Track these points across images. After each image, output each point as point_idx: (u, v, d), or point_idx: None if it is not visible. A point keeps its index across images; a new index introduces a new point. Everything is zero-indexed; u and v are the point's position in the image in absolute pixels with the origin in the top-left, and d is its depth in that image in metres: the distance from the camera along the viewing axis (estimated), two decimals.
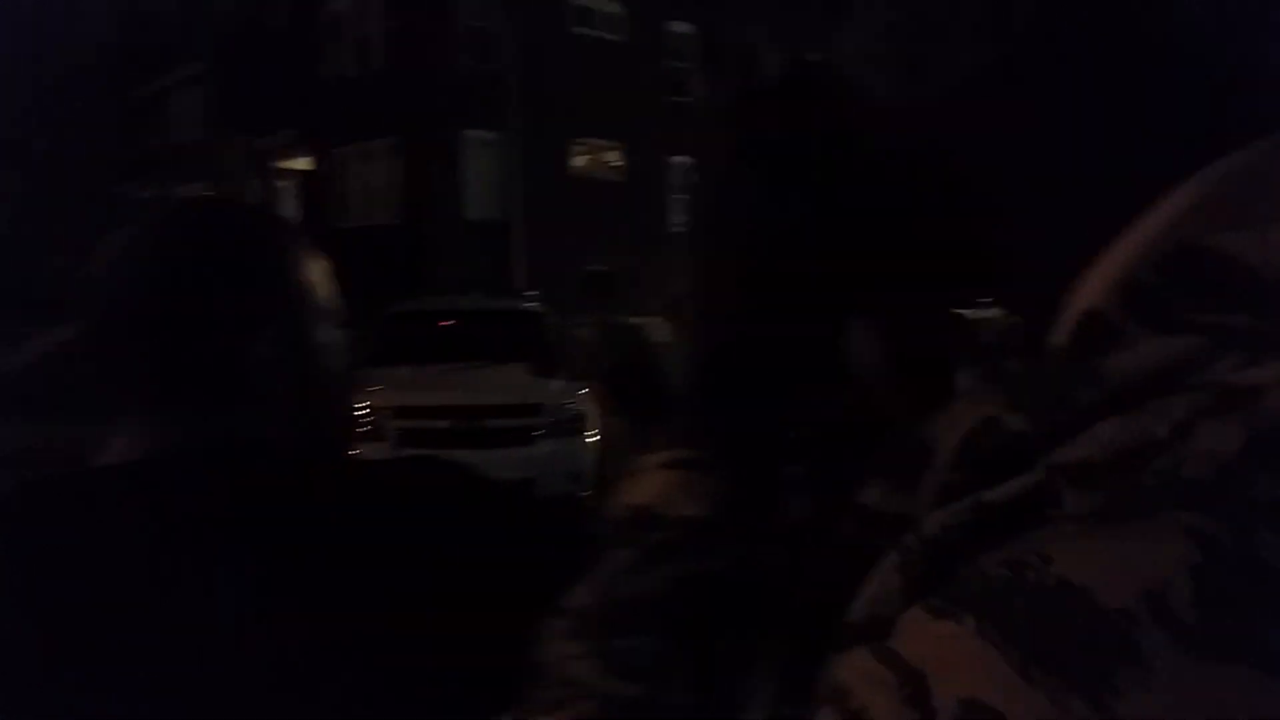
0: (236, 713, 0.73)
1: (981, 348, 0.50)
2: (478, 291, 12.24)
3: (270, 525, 0.77)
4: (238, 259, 0.84)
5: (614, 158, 21.64)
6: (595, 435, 7.38)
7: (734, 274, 0.51)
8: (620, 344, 1.66)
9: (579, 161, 21.03)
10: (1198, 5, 0.40)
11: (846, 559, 0.43)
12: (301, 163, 21.33)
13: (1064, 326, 0.40)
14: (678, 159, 22.52)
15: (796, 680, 0.41)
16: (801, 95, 0.49)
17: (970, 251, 0.46)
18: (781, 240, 0.49)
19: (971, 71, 0.44)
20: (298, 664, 0.74)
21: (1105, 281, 0.39)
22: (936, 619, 0.35)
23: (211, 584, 0.75)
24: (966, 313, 0.49)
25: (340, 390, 0.90)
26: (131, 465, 0.81)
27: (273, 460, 0.82)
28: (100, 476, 0.82)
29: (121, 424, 0.83)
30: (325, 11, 20.60)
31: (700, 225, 0.53)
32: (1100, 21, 0.41)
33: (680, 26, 22.22)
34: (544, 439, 7.14)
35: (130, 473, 0.81)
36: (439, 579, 0.77)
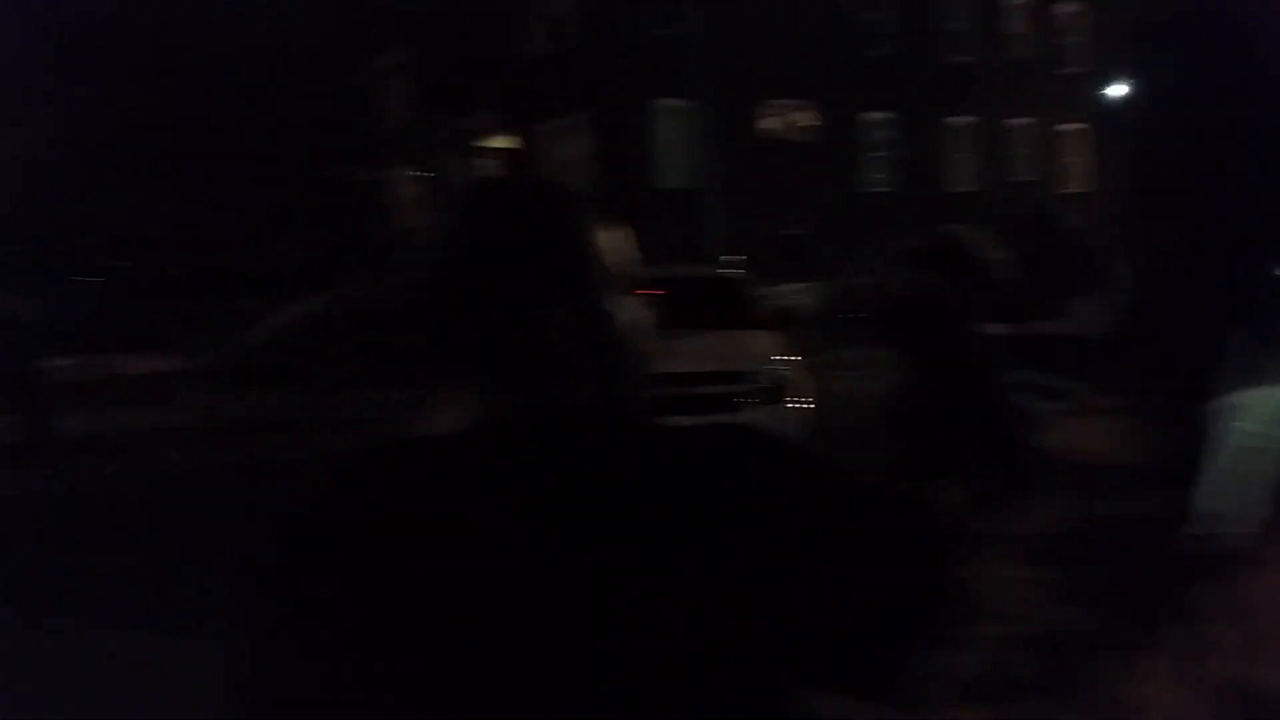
0: (573, 672, 0.75)
1: None
2: (672, 260, 12.30)
3: (592, 490, 0.78)
4: (532, 233, 0.86)
5: (805, 118, 21.26)
6: (805, 401, 7.31)
7: (1176, 224, 0.52)
8: (914, 299, 1.61)
9: (770, 124, 20.77)
10: None
11: None
12: (501, 140, 22.02)
13: None
14: (872, 115, 21.89)
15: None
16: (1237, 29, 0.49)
17: None
18: (1224, 182, 0.50)
19: None
20: (639, 628, 0.75)
21: None
22: None
23: (543, 553, 0.76)
24: None
25: (639, 357, 0.89)
26: (457, 435, 0.83)
27: (585, 427, 0.83)
28: (429, 445, 0.84)
29: (445, 394, 0.87)
30: None
31: (1150, 174, 0.54)
32: None
33: None
34: (747, 406, 7.13)
35: (456, 442, 0.83)
36: (758, 541, 0.77)
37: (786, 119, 21.03)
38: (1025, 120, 24.09)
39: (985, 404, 1.15)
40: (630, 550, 0.77)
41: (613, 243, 0.90)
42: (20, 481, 9.17)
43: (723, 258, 13.83)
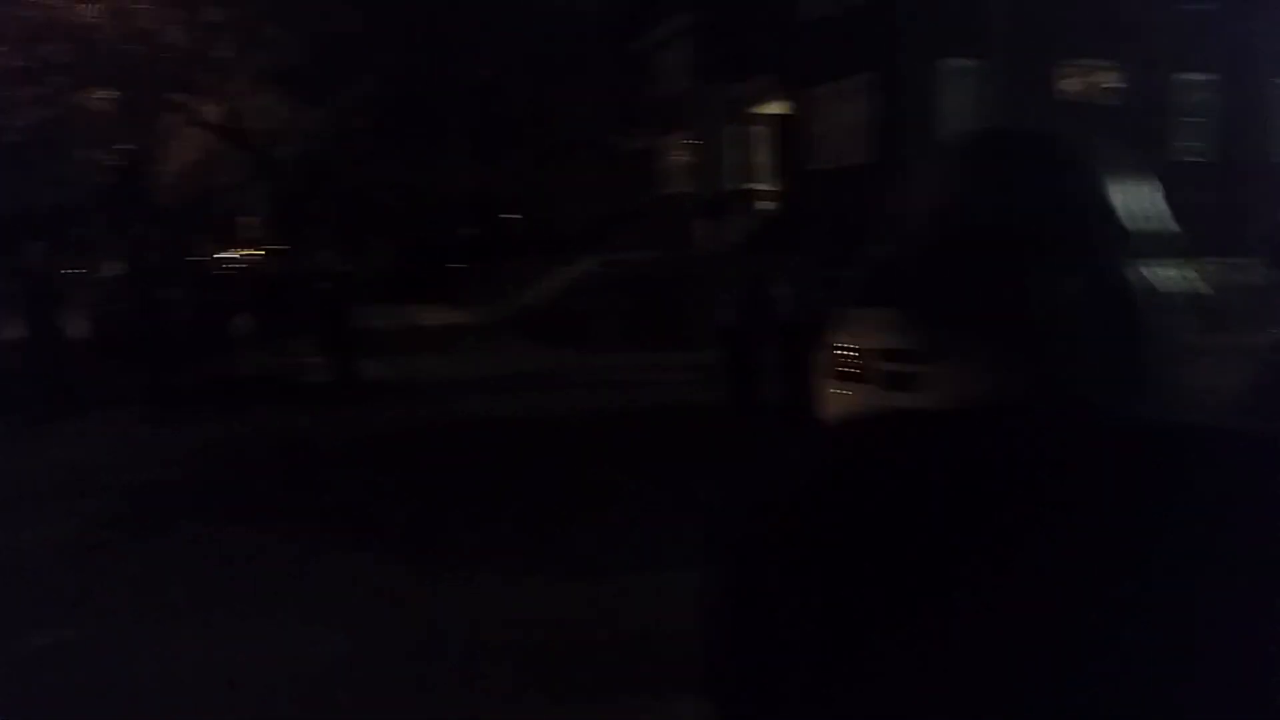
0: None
1: None
2: None
3: (1087, 492, 0.69)
4: (1042, 189, 0.76)
5: (1108, 79, 19.65)
6: None
7: None
8: None
9: (1068, 85, 19.36)
10: None
11: None
12: (777, 106, 21.82)
13: None
14: (1186, 76, 19.96)
15: None
16: None
17: None
18: None
19: None
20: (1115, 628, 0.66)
21: None
22: None
23: (1024, 556, 0.69)
24: None
25: (1159, 339, 0.76)
26: (945, 414, 0.76)
27: (1085, 418, 0.73)
28: (916, 421, 0.78)
29: (940, 366, 0.79)
30: None
31: None
32: None
33: None
34: None
35: (944, 421, 0.76)
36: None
37: (1088, 80, 19.50)
38: None
39: None
40: (1130, 565, 0.67)
41: (1138, 202, 0.77)
42: (332, 418, 10.09)
43: None
